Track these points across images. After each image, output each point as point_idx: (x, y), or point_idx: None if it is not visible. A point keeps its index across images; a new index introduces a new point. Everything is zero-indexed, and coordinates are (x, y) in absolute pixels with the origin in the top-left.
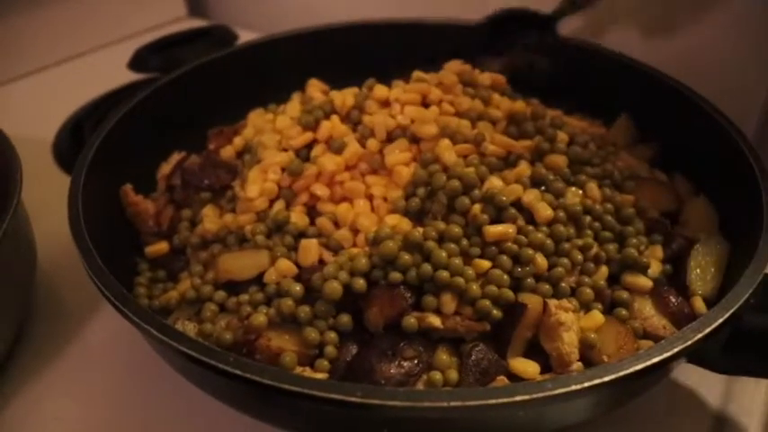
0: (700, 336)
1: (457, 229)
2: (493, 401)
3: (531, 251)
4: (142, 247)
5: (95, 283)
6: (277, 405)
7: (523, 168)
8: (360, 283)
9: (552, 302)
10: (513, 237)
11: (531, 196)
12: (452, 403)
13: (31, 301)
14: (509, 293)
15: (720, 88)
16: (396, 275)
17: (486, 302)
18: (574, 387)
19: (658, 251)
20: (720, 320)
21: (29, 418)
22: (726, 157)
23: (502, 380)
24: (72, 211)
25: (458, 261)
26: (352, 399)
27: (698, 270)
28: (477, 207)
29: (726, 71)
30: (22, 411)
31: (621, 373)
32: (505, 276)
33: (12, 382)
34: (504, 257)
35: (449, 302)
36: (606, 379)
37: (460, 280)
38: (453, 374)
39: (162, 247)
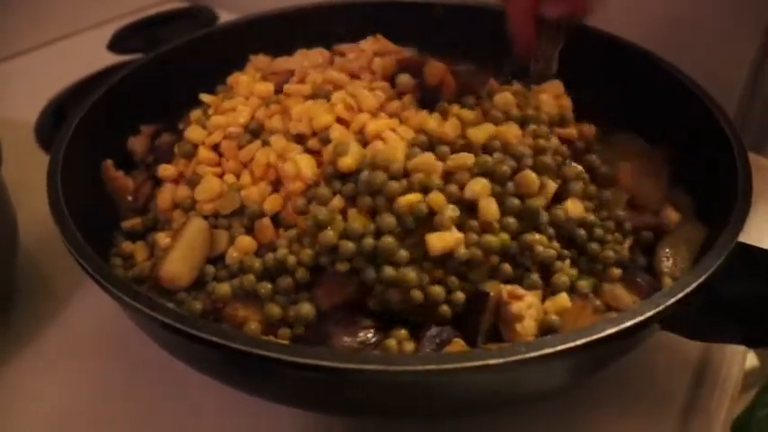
0: (671, 301)
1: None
2: (468, 364)
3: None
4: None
5: (72, 253)
6: (251, 372)
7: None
8: (302, 272)
9: (505, 290)
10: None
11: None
12: (427, 367)
13: (13, 280)
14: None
15: (702, 64)
16: (342, 266)
17: (438, 289)
18: (547, 350)
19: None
20: (693, 285)
21: (7, 399)
22: (703, 133)
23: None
24: (51, 186)
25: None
26: (325, 363)
27: (669, 253)
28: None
29: (707, 45)
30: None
31: (594, 337)
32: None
33: None
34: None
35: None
36: (579, 342)
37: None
38: (409, 345)
39: (137, 222)
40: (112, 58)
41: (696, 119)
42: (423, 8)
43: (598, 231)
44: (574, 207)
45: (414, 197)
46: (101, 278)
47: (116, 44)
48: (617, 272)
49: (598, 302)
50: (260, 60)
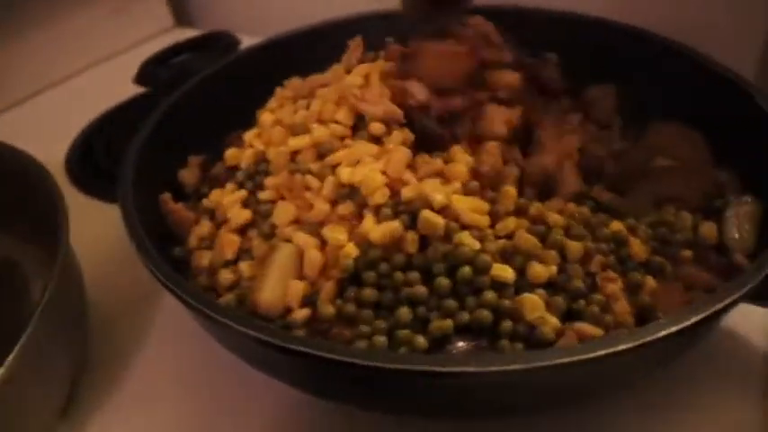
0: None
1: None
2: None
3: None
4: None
5: (181, 296)
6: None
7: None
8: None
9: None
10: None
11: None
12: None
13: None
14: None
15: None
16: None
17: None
18: (662, 333)
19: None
20: None
21: None
22: (738, 113)
23: None
24: (134, 236)
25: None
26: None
27: (734, 229)
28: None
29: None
30: None
31: (707, 313)
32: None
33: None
34: None
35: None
36: (693, 320)
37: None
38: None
39: (205, 262)
40: (126, 91)
41: (730, 101)
42: None
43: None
44: None
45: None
46: (225, 317)
47: (143, 77)
48: (688, 253)
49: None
50: (293, 82)
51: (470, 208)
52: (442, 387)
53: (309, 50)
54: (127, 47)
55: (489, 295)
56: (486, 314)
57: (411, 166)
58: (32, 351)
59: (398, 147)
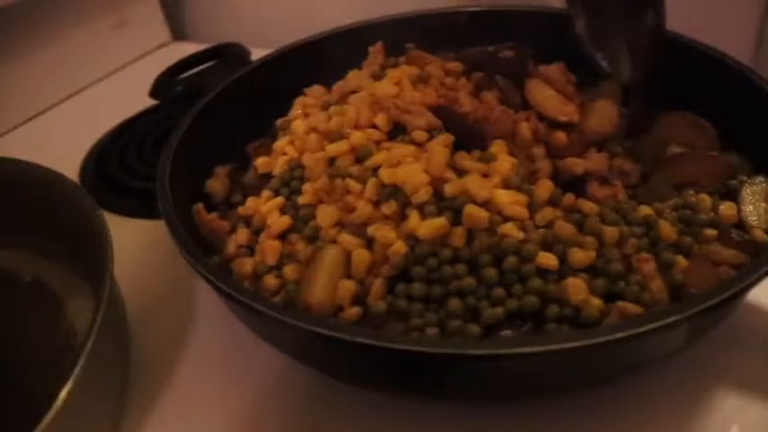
0: None
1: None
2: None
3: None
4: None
5: (245, 302)
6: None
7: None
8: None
9: (635, 256)
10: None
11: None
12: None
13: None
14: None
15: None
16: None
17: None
18: (703, 306)
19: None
20: None
21: None
22: (745, 98)
23: None
24: (187, 251)
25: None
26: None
27: (751, 207)
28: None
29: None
30: None
31: (741, 286)
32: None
33: None
34: None
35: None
36: (727, 294)
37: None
38: None
39: (248, 269)
40: (132, 107)
41: (735, 87)
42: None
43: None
44: None
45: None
46: (284, 316)
47: (158, 91)
48: (712, 232)
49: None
50: (315, 90)
51: (511, 201)
52: (502, 371)
53: (321, 59)
54: (127, 62)
55: (536, 282)
56: (533, 300)
57: (451, 165)
58: (91, 367)
59: (438, 147)
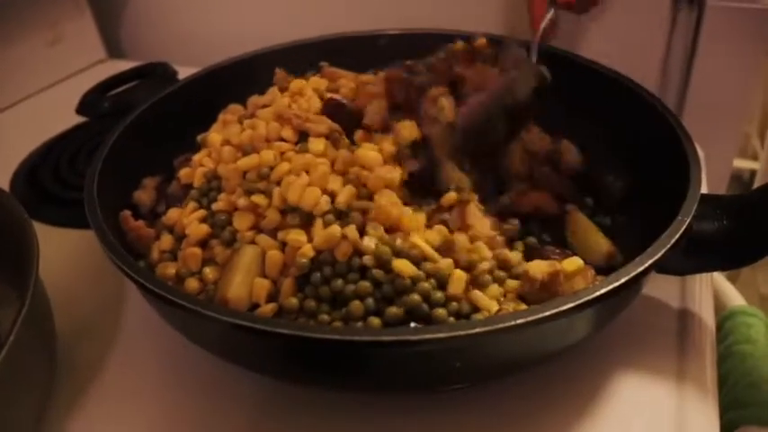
0: (669, 245)
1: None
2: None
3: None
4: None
5: (171, 299)
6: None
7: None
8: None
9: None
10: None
11: None
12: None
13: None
14: None
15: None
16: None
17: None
18: (577, 301)
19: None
20: (681, 231)
21: None
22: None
23: None
24: (117, 257)
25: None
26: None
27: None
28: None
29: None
30: None
31: (616, 285)
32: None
33: None
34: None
35: None
36: (602, 291)
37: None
38: None
39: (171, 271)
40: (64, 122)
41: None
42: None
43: None
44: None
45: None
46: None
47: (85, 107)
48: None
49: None
50: (233, 108)
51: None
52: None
53: (246, 77)
54: (62, 78)
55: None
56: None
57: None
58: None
59: (323, 161)
